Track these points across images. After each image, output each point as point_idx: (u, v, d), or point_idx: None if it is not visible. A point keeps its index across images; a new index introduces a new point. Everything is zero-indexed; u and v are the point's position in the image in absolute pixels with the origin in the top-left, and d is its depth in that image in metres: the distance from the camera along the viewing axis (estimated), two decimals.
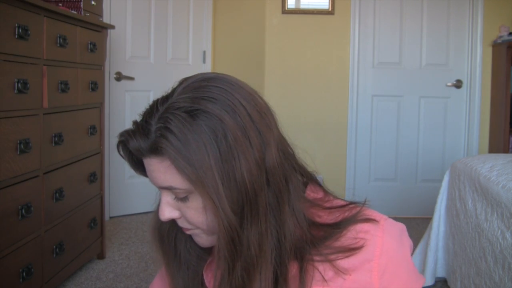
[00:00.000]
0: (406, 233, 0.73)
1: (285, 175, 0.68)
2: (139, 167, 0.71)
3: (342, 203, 0.73)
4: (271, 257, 0.65)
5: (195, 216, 0.67)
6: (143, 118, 0.67)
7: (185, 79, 0.69)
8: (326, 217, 0.71)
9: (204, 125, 0.63)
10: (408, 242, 0.72)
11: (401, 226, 0.72)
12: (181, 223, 0.71)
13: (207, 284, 0.76)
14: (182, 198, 0.67)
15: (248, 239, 0.64)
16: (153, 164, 0.66)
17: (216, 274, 0.66)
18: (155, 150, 0.64)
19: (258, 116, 0.66)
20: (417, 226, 3.35)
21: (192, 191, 0.65)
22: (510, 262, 1.62)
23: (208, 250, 0.77)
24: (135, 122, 0.68)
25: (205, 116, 0.63)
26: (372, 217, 0.69)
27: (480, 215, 1.91)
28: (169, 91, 0.69)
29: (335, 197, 0.76)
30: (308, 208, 0.70)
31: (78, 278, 2.47)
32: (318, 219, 0.70)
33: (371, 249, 0.67)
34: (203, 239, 0.72)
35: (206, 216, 0.66)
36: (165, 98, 0.68)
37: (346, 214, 0.70)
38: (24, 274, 1.86)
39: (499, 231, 1.73)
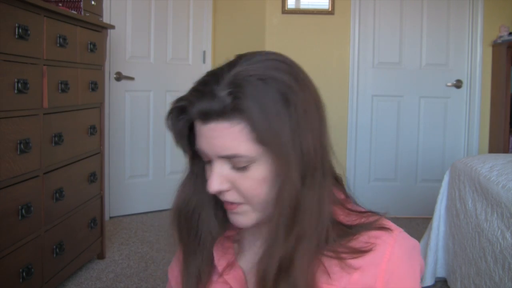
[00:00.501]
0: (418, 251, 0.72)
1: (328, 163, 0.71)
2: (182, 139, 0.70)
3: (362, 209, 0.74)
4: (317, 231, 0.67)
5: (251, 188, 0.67)
6: (205, 84, 0.66)
7: (243, 55, 0.69)
8: (343, 218, 0.72)
9: (278, 93, 0.63)
10: (418, 259, 0.71)
11: (415, 243, 0.72)
12: (230, 196, 0.69)
13: (216, 262, 0.76)
14: (241, 167, 0.66)
15: (305, 210, 0.65)
16: (220, 129, 0.64)
17: (267, 244, 0.67)
18: (226, 114, 0.63)
19: (319, 99, 0.71)
20: (417, 226, 3.35)
21: (256, 159, 0.65)
22: (510, 262, 1.62)
23: (223, 231, 0.77)
24: (195, 89, 0.66)
25: (278, 85, 0.64)
26: (387, 226, 0.70)
27: (480, 215, 1.91)
28: (222, 65, 0.69)
29: (355, 203, 0.77)
30: (332, 204, 0.72)
31: (78, 278, 2.48)
32: (336, 217, 0.71)
33: (380, 254, 0.67)
34: (247, 217, 0.70)
35: (264, 187, 0.66)
36: (226, 69, 0.66)
37: (363, 220, 0.71)
38: (24, 274, 1.86)
39: (499, 231, 1.73)
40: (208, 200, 0.75)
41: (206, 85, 0.65)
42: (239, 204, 0.69)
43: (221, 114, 0.63)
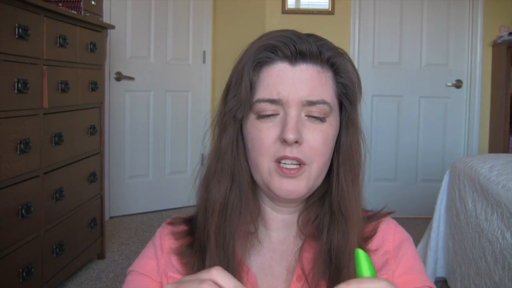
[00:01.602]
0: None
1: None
2: (251, 89, 0.68)
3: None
4: (358, 215, 0.73)
5: (323, 142, 0.67)
6: (296, 34, 0.69)
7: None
8: None
9: (351, 63, 0.72)
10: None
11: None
12: (299, 152, 0.66)
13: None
14: (321, 117, 0.67)
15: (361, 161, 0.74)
16: (311, 72, 0.67)
17: (339, 179, 0.71)
18: (319, 59, 0.68)
19: None
20: (417, 226, 3.35)
21: (332, 113, 0.68)
22: (510, 262, 1.62)
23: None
24: (288, 36, 0.68)
25: (349, 58, 0.72)
26: (386, 212, 0.78)
27: (480, 215, 1.91)
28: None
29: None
30: None
31: (78, 278, 2.47)
32: None
33: (386, 230, 0.75)
34: (303, 183, 0.67)
35: (330, 145, 0.69)
36: (303, 34, 0.71)
37: (369, 213, 0.77)
38: (24, 274, 1.86)
39: (499, 231, 1.73)
40: (247, 187, 0.71)
41: (299, 36, 0.68)
42: (301, 165, 0.67)
43: (316, 58, 0.68)
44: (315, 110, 0.67)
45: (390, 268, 0.71)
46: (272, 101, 0.67)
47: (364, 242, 0.72)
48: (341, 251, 0.68)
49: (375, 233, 0.74)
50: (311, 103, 0.66)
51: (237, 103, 0.68)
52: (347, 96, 0.70)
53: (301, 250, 0.71)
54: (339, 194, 0.69)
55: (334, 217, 0.69)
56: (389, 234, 0.74)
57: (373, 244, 0.73)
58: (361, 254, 0.52)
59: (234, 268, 0.69)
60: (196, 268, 0.70)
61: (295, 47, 0.67)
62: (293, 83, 0.66)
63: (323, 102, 0.67)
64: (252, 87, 0.67)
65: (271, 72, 0.68)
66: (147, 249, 0.78)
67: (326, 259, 0.68)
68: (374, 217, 0.76)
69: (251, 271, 0.71)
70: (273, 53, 0.68)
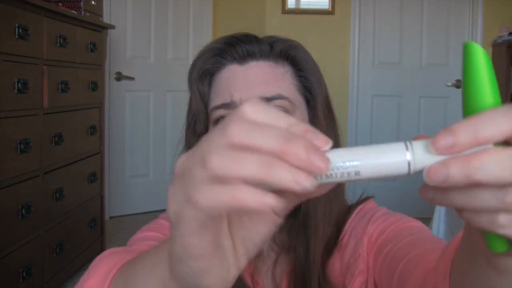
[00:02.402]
0: None
1: None
2: (202, 100, 0.65)
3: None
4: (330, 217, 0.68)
5: None
6: (245, 35, 0.65)
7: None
8: None
9: (309, 55, 0.68)
10: None
11: None
12: None
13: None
14: (284, 110, 0.60)
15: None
16: (262, 67, 0.63)
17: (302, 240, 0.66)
18: (271, 55, 0.64)
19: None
20: None
21: (295, 109, 0.63)
22: None
23: None
24: (232, 36, 0.64)
25: (306, 50, 0.69)
26: (368, 197, 0.74)
27: None
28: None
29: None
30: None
31: (78, 278, 2.47)
32: None
33: (369, 209, 0.70)
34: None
35: None
36: (252, 35, 0.66)
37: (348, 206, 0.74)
38: (24, 274, 1.86)
39: None
40: None
41: (247, 36, 0.65)
42: None
43: (267, 54, 0.64)
44: (278, 105, 0.62)
45: (368, 230, 0.67)
46: (226, 106, 0.61)
47: (327, 254, 0.66)
48: (304, 268, 0.63)
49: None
50: (266, 100, 0.61)
51: (192, 117, 0.65)
52: (309, 90, 0.66)
53: (274, 264, 0.67)
54: (305, 205, 0.62)
55: (299, 232, 0.63)
56: (369, 210, 0.70)
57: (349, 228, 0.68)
58: (477, 50, 0.29)
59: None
60: None
61: (242, 47, 0.63)
62: (244, 82, 0.62)
63: (280, 97, 0.61)
64: (203, 97, 0.64)
65: (222, 76, 0.64)
66: (154, 222, 0.71)
67: (296, 274, 0.64)
68: (353, 206, 0.71)
69: (262, 282, 0.68)
70: (221, 57, 0.64)
